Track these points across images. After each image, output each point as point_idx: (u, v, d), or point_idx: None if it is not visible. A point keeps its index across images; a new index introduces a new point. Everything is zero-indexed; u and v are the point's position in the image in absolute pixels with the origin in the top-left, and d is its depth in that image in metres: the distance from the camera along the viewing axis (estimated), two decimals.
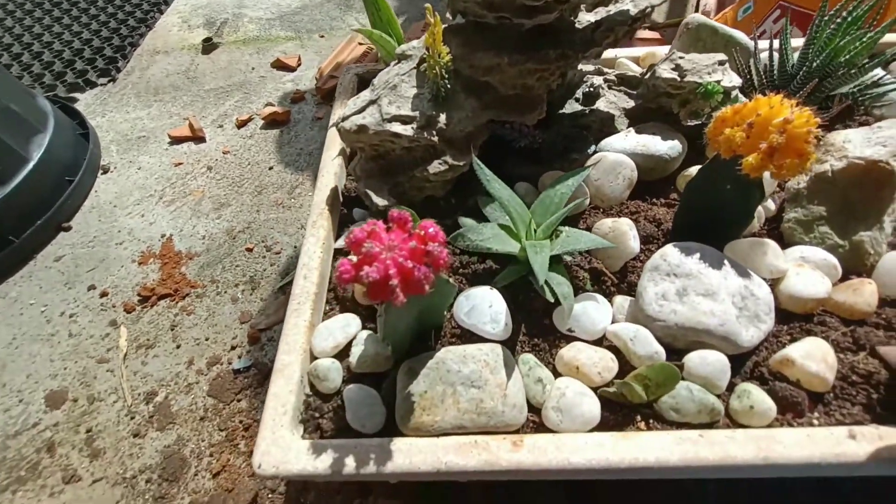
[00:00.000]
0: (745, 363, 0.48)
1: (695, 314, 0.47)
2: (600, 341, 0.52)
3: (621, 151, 0.62)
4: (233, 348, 1.08)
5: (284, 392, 0.45)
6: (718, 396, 0.46)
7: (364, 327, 0.52)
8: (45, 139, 1.33)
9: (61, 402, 1.03)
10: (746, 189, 0.50)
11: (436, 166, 0.55)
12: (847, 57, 0.61)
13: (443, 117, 0.56)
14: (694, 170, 0.64)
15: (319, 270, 0.54)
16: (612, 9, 0.59)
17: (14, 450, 0.97)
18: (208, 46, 1.82)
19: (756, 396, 0.44)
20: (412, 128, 0.54)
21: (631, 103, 0.71)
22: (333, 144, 0.66)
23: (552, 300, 0.52)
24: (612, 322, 0.52)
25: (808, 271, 0.51)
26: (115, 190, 1.42)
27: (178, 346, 1.09)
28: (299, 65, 1.76)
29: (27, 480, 0.93)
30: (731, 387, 0.47)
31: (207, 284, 1.19)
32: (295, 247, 1.25)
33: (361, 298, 0.53)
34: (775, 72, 0.68)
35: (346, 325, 0.51)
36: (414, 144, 0.55)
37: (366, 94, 0.58)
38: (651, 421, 0.46)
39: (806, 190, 0.56)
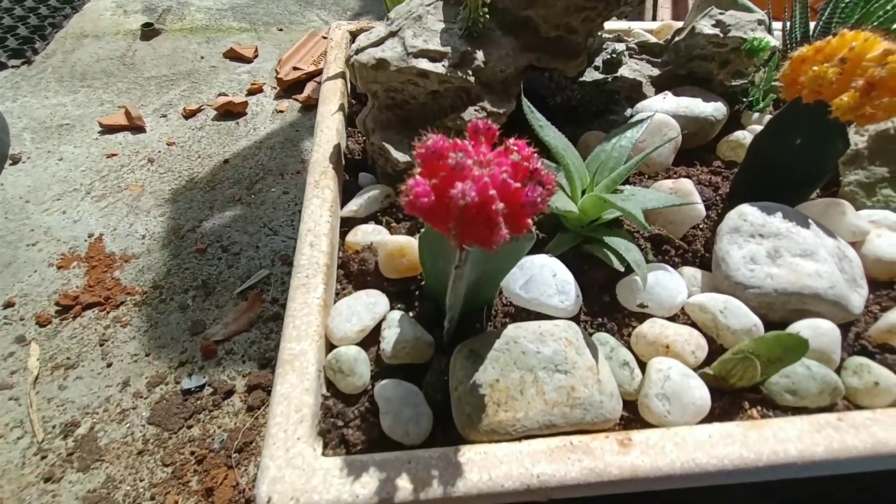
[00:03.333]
0: (847, 335, 0.42)
1: (798, 277, 0.40)
2: (674, 319, 0.44)
3: (664, 113, 0.56)
4: (181, 364, 0.89)
5: (297, 392, 0.32)
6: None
7: (393, 307, 0.40)
8: None
9: None
10: (827, 139, 0.45)
11: (471, 113, 0.45)
12: (877, 22, 0.60)
13: (480, 55, 0.47)
14: (739, 134, 0.59)
15: (329, 238, 0.41)
16: None
17: None
18: (148, 32, 1.62)
19: (878, 371, 0.38)
20: (443, 66, 0.44)
21: (655, 71, 0.66)
22: (332, 97, 0.54)
23: (622, 269, 0.43)
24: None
25: (888, 233, 0.46)
26: (28, 183, 1.18)
27: (108, 365, 0.89)
28: (256, 56, 1.61)
29: None
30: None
31: (148, 291, 1.00)
32: (257, 247, 1.08)
33: (388, 270, 0.41)
34: (798, 37, 0.65)
35: (373, 304, 0.38)
36: (444, 87, 0.45)
37: (380, 29, 0.47)
38: (760, 407, 0.37)
39: (866, 150, 0.52)
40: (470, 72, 0.45)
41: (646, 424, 0.35)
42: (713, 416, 0.36)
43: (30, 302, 0.97)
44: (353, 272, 0.43)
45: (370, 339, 0.39)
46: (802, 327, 0.39)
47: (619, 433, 0.32)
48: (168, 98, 1.44)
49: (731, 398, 0.38)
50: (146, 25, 1.63)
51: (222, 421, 0.84)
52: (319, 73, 1.49)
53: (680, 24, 0.75)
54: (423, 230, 0.35)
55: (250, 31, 1.73)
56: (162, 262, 1.05)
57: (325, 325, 0.37)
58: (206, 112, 1.40)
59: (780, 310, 0.41)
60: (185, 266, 1.05)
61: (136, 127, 1.32)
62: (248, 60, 1.58)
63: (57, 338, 0.93)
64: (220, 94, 1.43)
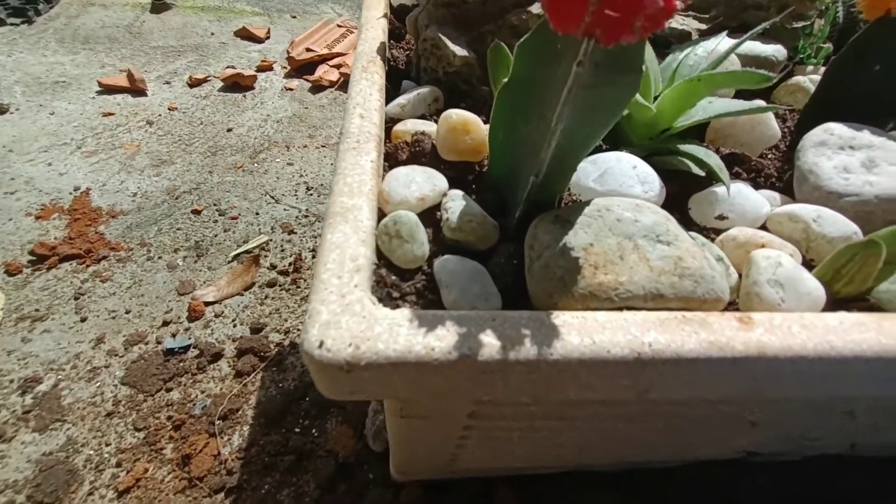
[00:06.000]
0: None
1: None
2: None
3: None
4: (165, 324, 0.80)
5: (352, 242, 0.26)
6: None
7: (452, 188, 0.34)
8: None
9: None
10: None
11: (538, 7, 0.42)
12: None
13: None
14: (799, 79, 0.56)
15: (380, 115, 0.36)
16: None
17: None
18: (159, 6, 1.59)
19: None
20: None
21: (703, 26, 0.64)
22: (376, 4, 0.50)
23: (702, 173, 0.39)
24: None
25: None
26: (14, 133, 1.11)
27: (82, 320, 0.79)
28: (268, 37, 1.58)
29: None
30: None
31: (134, 248, 0.91)
32: (257, 213, 1.02)
33: (447, 150, 0.36)
34: None
35: (433, 177, 0.33)
36: None
37: None
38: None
39: None
40: None
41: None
42: None
43: (0, 249, 0.88)
44: (404, 160, 0.38)
45: (427, 217, 0.33)
46: None
47: (736, 313, 0.27)
48: (173, 67, 1.39)
49: (836, 307, 0.33)
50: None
51: (206, 386, 0.75)
52: (332, 56, 1.47)
53: None
54: (504, 83, 0.30)
55: (263, 16, 1.72)
56: (152, 220, 0.97)
57: (380, 189, 0.31)
58: (213, 83, 1.35)
59: (880, 220, 0.37)
60: (178, 226, 0.97)
61: (137, 90, 1.26)
62: (259, 40, 1.55)
63: (26, 288, 0.83)
64: (228, 67, 1.39)
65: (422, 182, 0.32)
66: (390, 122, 0.43)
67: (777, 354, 0.25)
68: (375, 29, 0.47)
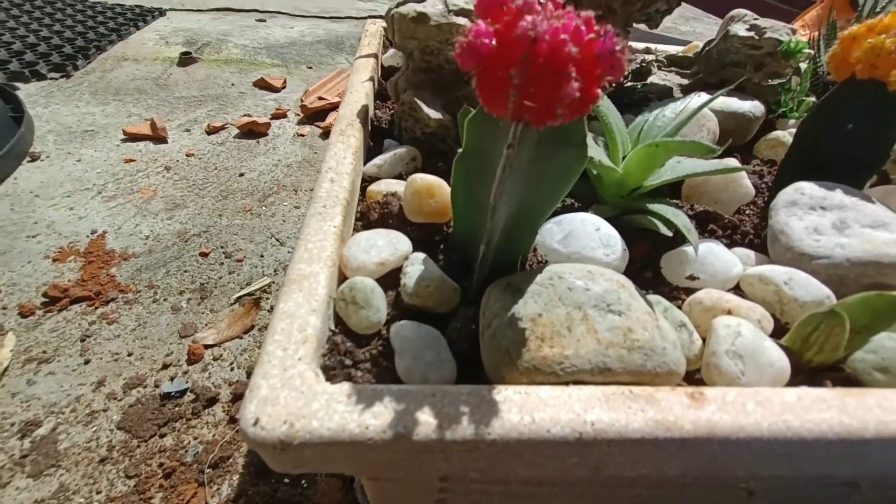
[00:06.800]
0: None
1: (873, 246, 0.35)
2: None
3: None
4: (165, 367, 0.82)
5: (303, 311, 0.26)
6: None
7: (415, 251, 0.35)
8: None
9: None
10: (885, 120, 0.42)
11: None
12: None
13: None
14: (779, 133, 0.56)
15: (351, 179, 0.38)
16: None
17: None
18: (186, 59, 1.71)
19: None
20: None
21: (685, 81, 0.66)
22: (364, 69, 0.53)
23: (669, 234, 0.39)
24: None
25: None
26: (42, 179, 1.18)
27: (86, 362, 0.82)
28: (284, 87, 1.67)
29: None
30: None
31: (142, 290, 0.94)
32: (262, 255, 1.04)
33: (413, 212, 0.37)
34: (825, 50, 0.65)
35: (395, 241, 0.34)
36: None
37: None
38: (841, 387, 0.31)
39: None
40: None
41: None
42: None
43: (17, 291, 0.92)
44: (373, 220, 0.39)
45: (388, 280, 0.33)
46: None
47: (687, 387, 0.26)
48: (194, 115, 1.47)
49: (810, 377, 0.32)
50: (184, 54, 1.72)
51: (200, 431, 0.76)
52: None
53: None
54: (458, 153, 0.31)
55: (281, 67, 1.82)
56: (161, 262, 1.01)
57: (341, 254, 0.32)
58: (229, 130, 1.42)
59: (853, 284, 0.36)
60: (185, 269, 1.01)
61: (158, 137, 1.34)
62: (276, 90, 1.64)
63: (37, 330, 0.87)
64: (244, 115, 1.47)
65: (382, 246, 0.33)
66: (368, 181, 0.45)
67: (728, 435, 0.24)
68: (359, 92, 0.49)
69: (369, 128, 0.48)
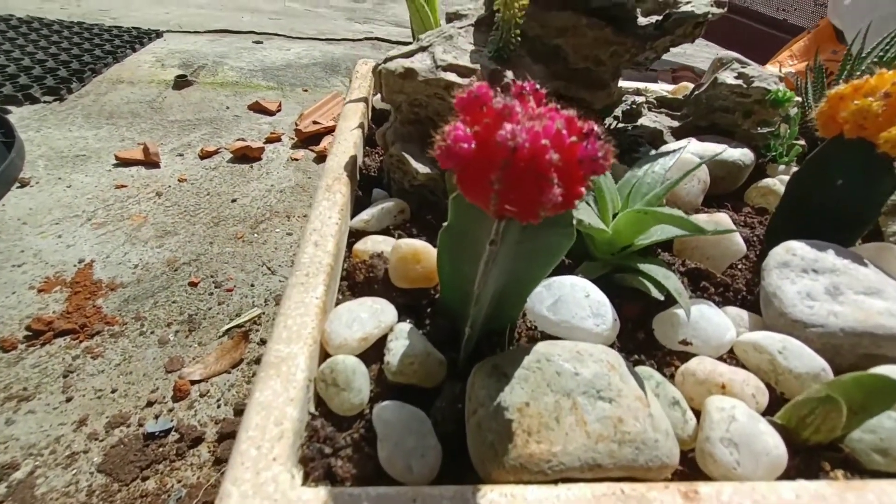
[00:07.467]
0: None
1: (867, 315, 0.35)
2: (722, 360, 0.38)
3: (691, 154, 0.54)
4: (149, 404, 0.80)
5: (280, 401, 0.25)
6: None
7: (401, 320, 0.34)
8: None
9: None
10: (874, 178, 0.42)
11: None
12: None
13: (510, 74, 0.46)
14: (769, 181, 0.56)
15: (336, 241, 0.37)
16: (675, 11, 0.55)
17: None
18: (181, 83, 1.71)
19: None
20: (472, 82, 0.43)
21: (675, 123, 0.66)
22: (353, 116, 0.53)
23: (661, 297, 0.38)
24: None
25: None
26: (30, 206, 1.16)
27: (67, 400, 0.79)
28: (279, 110, 1.67)
29: None
30: None
31: (129, 322, 0.93)
32: (252, 285, 1.03)
33: (399, 278, 0.36)
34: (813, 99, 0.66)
35: (379, 311, 0.33)
36: None
37: (412, 46, 0.47)
38: (844, 471, 0.30)
39: None
40: (499, 90, 0.44)
41: (707, 479, 0.28)
42: (788, 478, 0.29)
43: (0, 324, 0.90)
44: (359, 282, 0.38)
45: (372, 354, 0.32)
46: (887, 370, 0.33)
47: (681, 483, 0.25)
48: (188, 140, 1.47)
49: (807, 458, 0.31)
50: (180, 77, 1.72)
51: (183, 474, 0.74)
52: None
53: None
54: (444, 225, 0.31)
55: (276, 90, 1.83)
56: (150, 292, 0.99)
57: (322, 329, 0.31)
58: (223, 154, 1.42)
59: (848, 355, 0.35)
60: (174, 299, 0.99)
61: (151, 162, 1.33)
62: (270, 113, 1.64)
63: (18, 365, 0.84)
64: (238, 139, 1.47)
65: (366, 319, 0.32)
66: (355, 235, 0.44)
67: None
68: (348, 141, 0.49)
69: (357, 178, 0.47)
